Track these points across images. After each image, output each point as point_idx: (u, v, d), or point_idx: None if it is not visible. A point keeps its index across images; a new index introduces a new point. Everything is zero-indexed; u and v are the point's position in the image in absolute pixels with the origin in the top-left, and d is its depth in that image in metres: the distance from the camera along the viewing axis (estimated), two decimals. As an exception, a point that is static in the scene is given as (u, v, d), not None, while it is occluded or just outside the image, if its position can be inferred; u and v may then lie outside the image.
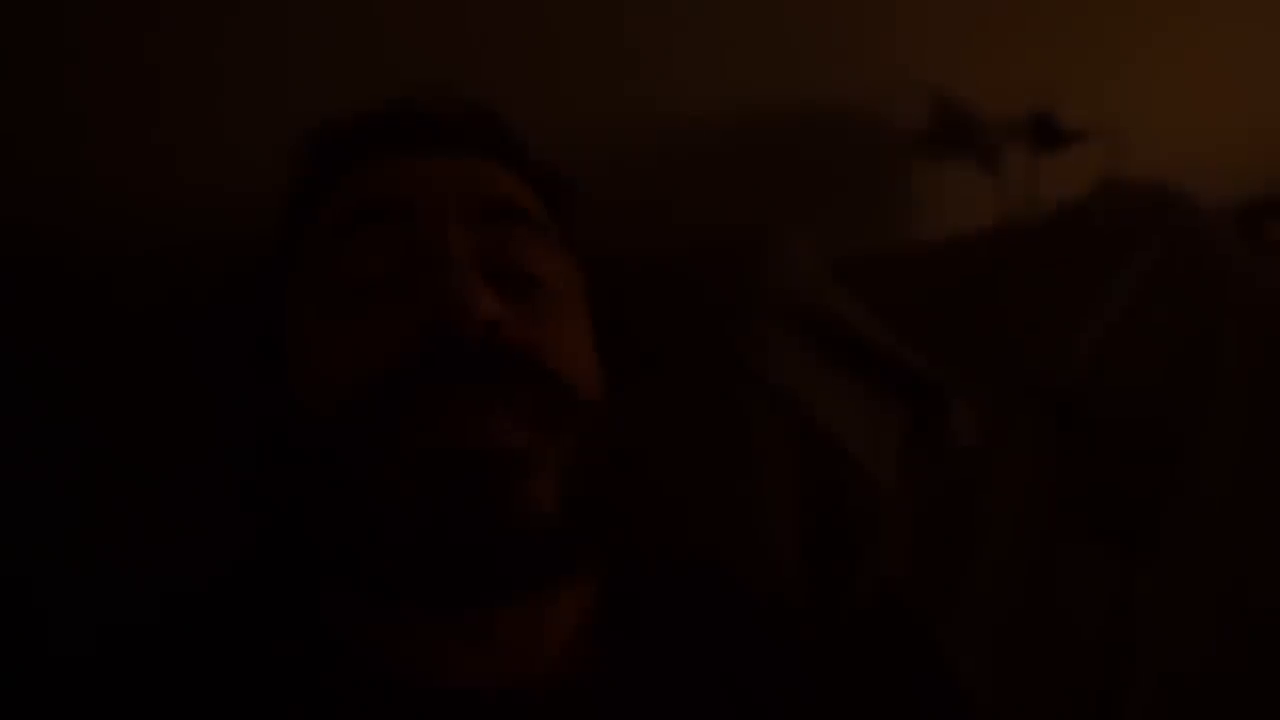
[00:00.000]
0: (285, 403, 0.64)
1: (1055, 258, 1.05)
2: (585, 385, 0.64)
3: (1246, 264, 1.07)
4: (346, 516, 0.59)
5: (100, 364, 0.76)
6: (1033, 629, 0.86)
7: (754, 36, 1.11)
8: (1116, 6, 1.24)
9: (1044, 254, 1.06)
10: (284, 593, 0.64)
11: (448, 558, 0.57)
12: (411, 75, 0.89)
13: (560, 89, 1.02)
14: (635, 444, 0.67)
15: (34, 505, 0.72)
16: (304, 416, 0.61)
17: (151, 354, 0.77)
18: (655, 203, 1.06)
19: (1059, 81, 1.19)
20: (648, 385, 0.77)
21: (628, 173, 1.05)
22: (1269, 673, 0.85)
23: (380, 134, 0.70)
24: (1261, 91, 1.31)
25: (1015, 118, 1.16)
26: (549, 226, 0.68)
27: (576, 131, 0.99)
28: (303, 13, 0.91)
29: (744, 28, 1.11)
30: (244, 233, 0.74)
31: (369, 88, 0.75)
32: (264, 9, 0.90)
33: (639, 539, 0.70)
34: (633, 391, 0.68)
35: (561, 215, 0.71)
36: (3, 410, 0.74)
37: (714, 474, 0.80)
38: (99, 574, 0.70)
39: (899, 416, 0.89)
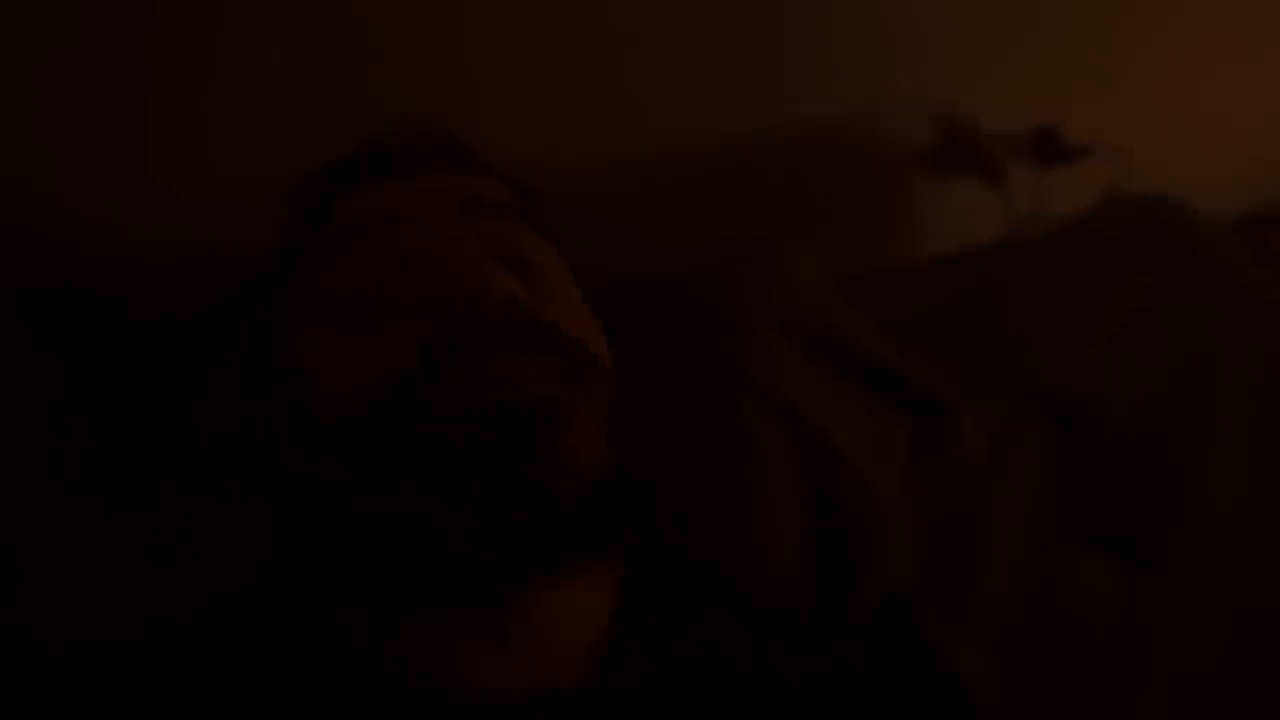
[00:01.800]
0: (296, 411, 0.65)
1: (1060, 272, 1.06)
2: (601, 354, 0.66)
3: (1250, 277, 1.07)
4: (376, 512, 0.60)
5: (104, 375, 0.77)
6: (1040, 641, 0.86)
7: (758, 55, 1.12)
8: (1119, 22, 1.25)
9: (1048, 269, 1.06)
10: (300, 600, 0.65)
11: (475, 538, 0.58)
12: (400, 97, 0.90)
13: (560, 112, 1.03)
14: (643, 454, 0.68)
15: (41, 515, 0.72)
16: (321, 421, 0.62)
17: (157, 364, 0.78)
18: (662, 221, 1.06)
19: (1062, 97, 1.20)
20: (653, 397, 0.78)
21: (629, 193, 1.06)
22: (1277, 685, 0.85)
23: (367, 165, 0.72)
24: (1263, 104, 1.31)
25: (1019, 134, 1.17)
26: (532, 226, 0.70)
27: (571, 153, 1.00)
28: (295, 33, 0.91)
29: (747, 46, 1.11)
30: (243, 243, 0.75)
31: (355, 108, 0.76)
32: (257, 29, 0.90)
33: (650, 545, 0.71)
34: (638, 404, 0.69)
35: (542, 222, 0.73)
36: (6, 421, 0.75)
37: (718, 484, 0.80)
38: (107, 585, 0.70)
39: (904, 430, 0.89)
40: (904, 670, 0.72)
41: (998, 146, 1.17)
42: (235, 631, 0.64)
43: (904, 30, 1.18)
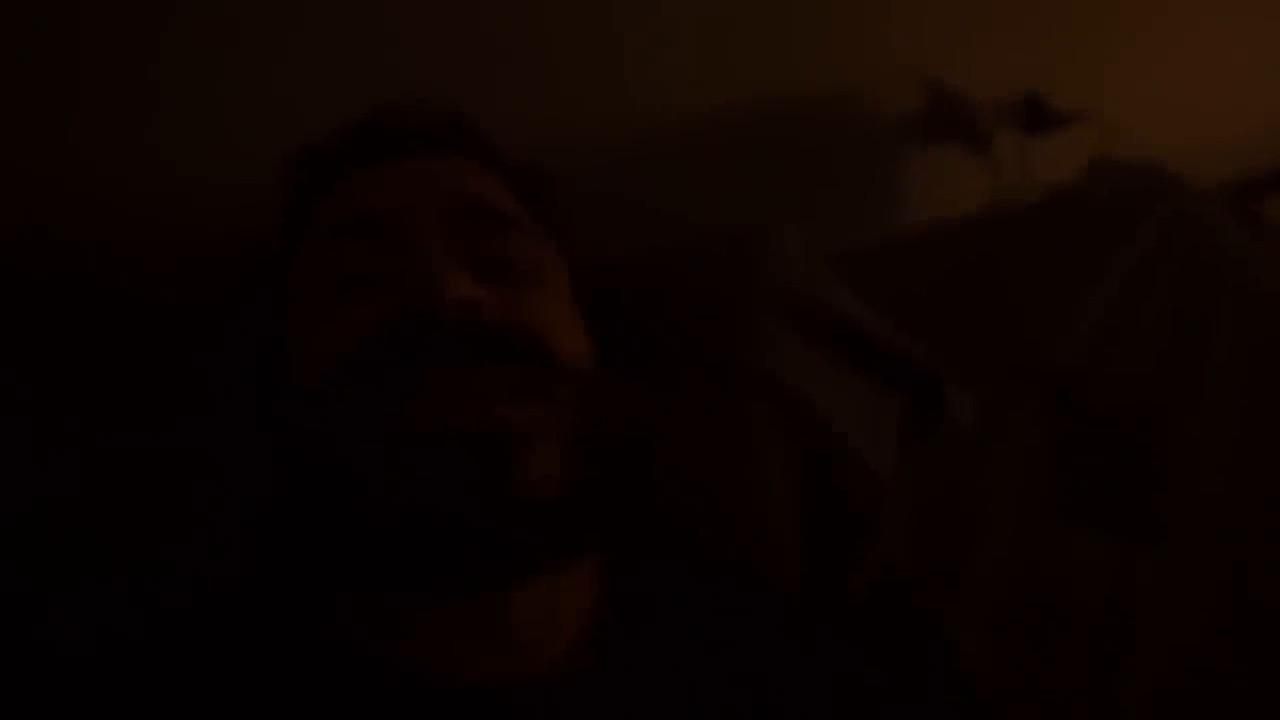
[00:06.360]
0: (285, 393, 0.65)
1: (1049, 241, 1.06)
2: (573, 357, 0.65)
3: (1238, 245, 1.08)
4: (346, 504, 0.60)
5: (101, 364, 0.77)
6: (1033, 614, 0.87)
7: (744, 25, 1.11)
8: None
9: (1038, 238, 1.06)
10: (290, 595, 0.65)
11: (450, 540, 0.58)
12: (407, 76, 0.90)
13: (551, 86, 1.02)
14: (635, 434, 0.68)
15: (37, 507, 0.72)
16: (298, 400, 0.63)
17: (154, 353, 0.77)
18: (649, 196, 1.05)
19: (1049, 65, 1.20)
20: (646, 378, 0.78)
21: (622, 167, 1.05)
22: (1267, 659, 0.86)
23: (363, 143, 0.71)
24: (1250, 72, 1.32)
25: (1007, 101, 1.17)
26: (526, 217, 0.70)
27: (567, 128, 0.99)
28: (303, 18, 0.91)
29: (735, 17, 1.11)
30: (243, 231, 0.75)
31: (366, 89, 0.75)
32: (265, 13, 0.89)
33: (641, 529, 0.71)
34: (632, 384, 0.69)
35: (540, 206, 0.72)
36: (7, 410, 0.74)
37: (713, 465, 0.80)
38: (102, 577, 0.70)
39: (896, 405, 0.90)
40: (900, 648, 0.72)
41: (985, 113, 1.17)
42: (231, 621, 0.64)
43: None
